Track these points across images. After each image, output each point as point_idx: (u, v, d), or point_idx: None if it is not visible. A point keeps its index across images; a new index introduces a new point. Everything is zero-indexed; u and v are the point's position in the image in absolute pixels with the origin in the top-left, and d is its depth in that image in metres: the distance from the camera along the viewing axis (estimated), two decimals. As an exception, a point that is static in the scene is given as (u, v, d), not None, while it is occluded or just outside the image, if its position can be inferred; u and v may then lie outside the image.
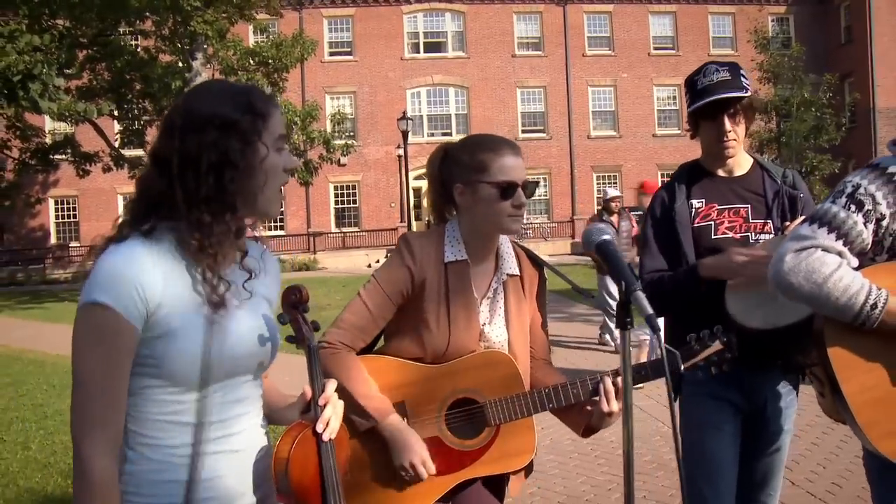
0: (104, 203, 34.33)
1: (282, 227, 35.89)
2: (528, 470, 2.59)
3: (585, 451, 6.03)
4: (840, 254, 2.17)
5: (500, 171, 2.35)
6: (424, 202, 36.16)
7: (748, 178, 3.02)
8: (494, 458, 2.37)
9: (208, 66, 19.87)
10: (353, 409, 2.27)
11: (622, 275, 1.67)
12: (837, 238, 2.18)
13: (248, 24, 19.30)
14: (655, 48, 38.00)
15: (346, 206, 37.65)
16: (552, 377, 2.51)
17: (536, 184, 2.49)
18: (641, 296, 1.61)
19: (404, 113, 29.69)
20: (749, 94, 2.90)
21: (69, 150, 23.48)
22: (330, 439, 1.70)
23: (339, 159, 30.75)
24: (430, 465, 2.30)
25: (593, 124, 37.68)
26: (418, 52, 37.28)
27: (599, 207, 10.68)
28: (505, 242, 2.53)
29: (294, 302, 1.79)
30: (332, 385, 1.73)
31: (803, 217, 2.61)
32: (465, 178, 2.41)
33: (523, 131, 36.87)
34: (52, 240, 35.28)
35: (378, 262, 31.86)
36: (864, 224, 2.18)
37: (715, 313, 2.65)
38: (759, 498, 3.03)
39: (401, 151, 30.56)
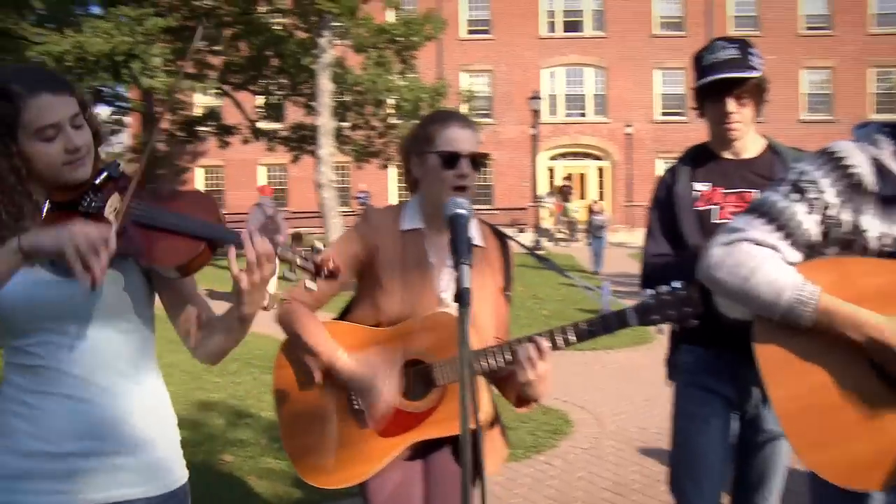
0: (248, 173, 35.96)
1: (414, 203, 36.44)
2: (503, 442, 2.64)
3: (651, 440, 5.96)
4: (774, 247, 2.02)
5: (445, 141, 2.46)
6: (557, 182, 35.87)
7: (757, 161, 2.89)
8: (442, 419, 2.40)
9: (339, 42, 20.40)
10: (305, 351, 2.45)
11: (456, 248, 1.72)
12: (775, 230, 2.02)
13: (380, 1, 19.62)
14: (807, 28, 35.94)
15: (479, 183, 37.50)
16: None
17: (485, 156, 2.54)
18: (464, 268, 1.67)
19: (536, 92, 29.46)
20: (757, 74, 2.77)
21: (213, 123, 24.76)
22: None
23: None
24: (384, 390, 2.37)
25: (735, 108, 35.96)
26: (555, 30, 36.86)
27: None
28: None
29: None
30: None
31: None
32: (418, 150, 2.53)
33: (662, 113, 35.93)
34: (199, 207, 37.30)
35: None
36: (807, 214, 2.01)
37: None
38: (754, 500, 2.92)
39: (534, 131, 30.37)
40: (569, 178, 35.07)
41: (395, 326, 2.46)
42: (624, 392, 7.57)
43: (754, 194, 2.81)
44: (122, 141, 30.64)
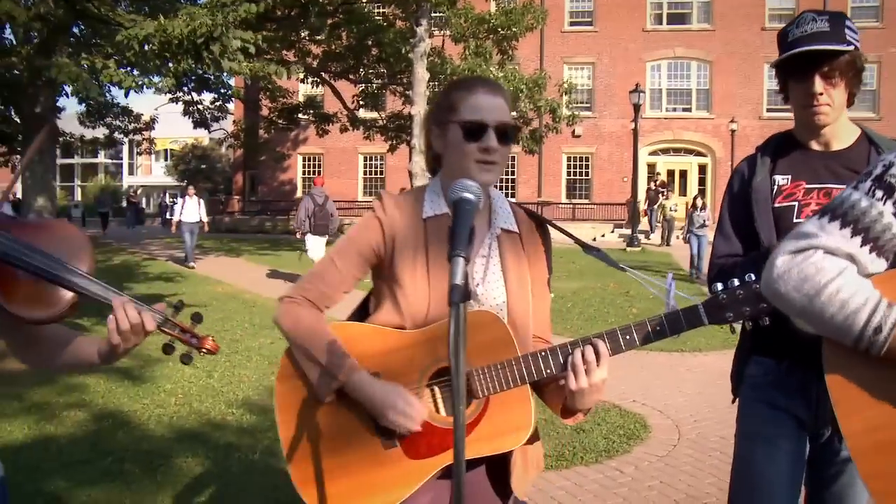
0: (347, 161, 36.45)
1: (513, 195, 36.22)
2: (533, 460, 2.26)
3: (731, 451, 5.62)
4: (851, 256, 1.67)
5: (469, 109, 2.09)
6: (658, 180, 34.97)
7: (849, 153, 2.54)
8: (485, 436, 2.03)
9: (439, 32, 20.41)
10: (312, 368, 2.07)
11: (454, 237, 1.50)
12: (854, 234, 1.68)
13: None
14: (936, 18, 33.68)
15: (577, 177, 37.29)
16: None
17: (517, 128, 2.18)
18: (457, 261, 1.44)
19: (637, 85, 28.82)
20: (851, 48, 2.40)
21: (311, 111, 25.21)
22: None
23: (574, 130, 30.42)
24: (416, 411, 2.01)
25: (850, 105, 34.27)
26: (661, 23, 35.91)
27: None
28: (499, 197, 2.28)
29: None
30: None
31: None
32: (438, 120, 2.17)
33: (769, 110, 34.59)
34: (299, 193, 38.07)
35: (603, 235, 31.38)
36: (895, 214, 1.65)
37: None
38: None
39: (635, 125, 29.72)
40: (665, 182, 34.00)
41: (422, 329, 2.08)
42: (708, 397, 7.20)
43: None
44: (224, 128, 31.41)
